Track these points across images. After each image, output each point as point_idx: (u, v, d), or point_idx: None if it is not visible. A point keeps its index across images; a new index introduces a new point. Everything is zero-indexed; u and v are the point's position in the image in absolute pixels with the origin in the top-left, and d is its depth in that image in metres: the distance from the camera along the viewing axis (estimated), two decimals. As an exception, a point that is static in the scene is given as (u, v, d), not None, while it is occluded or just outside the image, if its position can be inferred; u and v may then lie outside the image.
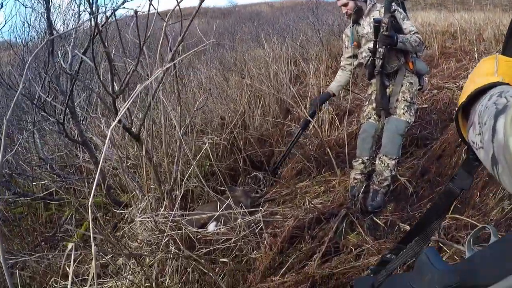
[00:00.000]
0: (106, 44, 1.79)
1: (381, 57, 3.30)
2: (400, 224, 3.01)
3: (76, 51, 2.30)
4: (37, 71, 4.59)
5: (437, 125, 4.70)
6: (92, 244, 0.95)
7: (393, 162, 3.36)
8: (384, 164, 3.37)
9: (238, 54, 7.11)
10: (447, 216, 2.69)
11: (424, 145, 4.32)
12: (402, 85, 3.40)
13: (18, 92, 1.32)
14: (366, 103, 3.62)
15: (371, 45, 3.28)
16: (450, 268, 1.17)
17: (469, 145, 1.03)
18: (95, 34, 1.84)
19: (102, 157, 0.95)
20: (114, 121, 3.30)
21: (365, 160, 3.48)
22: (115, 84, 2.08)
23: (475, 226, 2.52)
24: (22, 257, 3.08)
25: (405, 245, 1.49)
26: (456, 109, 0.97)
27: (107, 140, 1.09)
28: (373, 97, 3.52)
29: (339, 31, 8.84)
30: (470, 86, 0.94)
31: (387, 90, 3.45)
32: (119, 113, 1.20)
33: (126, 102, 0.99)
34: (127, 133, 3.45)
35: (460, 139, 1.03)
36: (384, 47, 3.22)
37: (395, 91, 3.41)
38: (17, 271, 2.94)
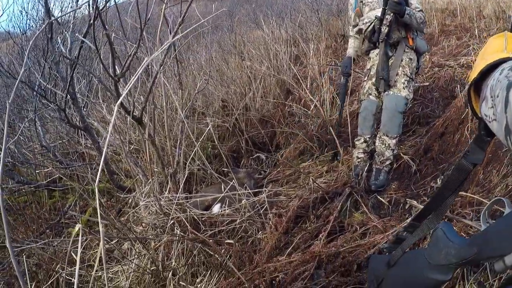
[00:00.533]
0: (106, 26, 1.77)
1: (388, 24, 3.25)
2: (407, 199, 3.00)
3: (77, 35, 2.28)
4: (36, 59, 4.57)
5: (438, 103, 4.67)
6: (100, 226, 0.94)
7: (394, 141, 3.35)
8: (385, 144, 3.35)
9: (237, 36, 7.06)
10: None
11: (426, 123, 4.30)
12: (402, 60, 3.36)
13: (18, 79, 1.31)
14: (365, 79, 3.55)
15: (376, 12, 3.24)
16: (466, 241, 1.17)
17: (481, 120, 1.04)
18: (95, 16, 1.82)
19: (106, 142, 0.94)
20: (115, 105, 3.29)
21: (367, 139, 3.46)
22: (116, 67, 2.06)
23: (480, 202, 2.52)
24: (27, 245, 3.10)
25: (419, 222, 1.49)
26: (468, 85, 0.99)
27: (111, 124, 1.09)
28: (372, 72, 3.46)
29: (337, 10, 8.76)
30: (481, 63, 0.96)
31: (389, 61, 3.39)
32: (122, 94, 1.19)
33: (129, 83, 0.97)
34: (128, 118, 3.45)
35: (467, 116, 1.04)
36: (392, 14, 3.17)
37: (395, 65, 3.36)
38: (24, 258, 2.96)
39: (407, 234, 1.55)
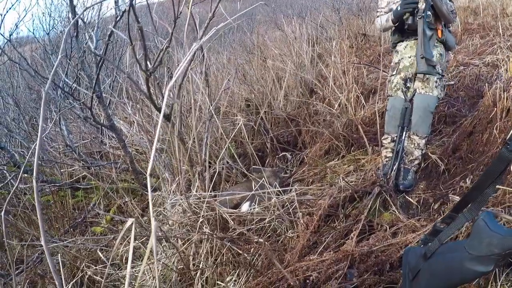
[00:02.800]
0: (138, 19, 1.76)
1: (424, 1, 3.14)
2: (449, 196, 2.92)
3: (110, 27, 2.27)
4: (59, 61, 4.60)
5: (465, 102, 4.59)
6: (152, 216, 0.92)
7: (424, 141, 3.28)
8: (414, 143, 3.29)
9: (259, 36, 7.04)
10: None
11: (452, 123, 4.22)
12: (433, 56, 3.25)
13: (52, 74, 1.29)
14: (393, 73, 3.42)
15: None
16: (510, 231, 1.13)
17: None
18: (128, 9, 1.81)
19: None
20: (144, 101, 3.27)
21: (395, 138, 3.39)
22: (148, 63, 2.05)
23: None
24: (53, 241, 3.11)
25: (457, 213, 1.45)
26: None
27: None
28: (401, 66, 3.36)
29: (357, 9, 8.70)
30: None
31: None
32: (167, 85, 1.17)
33: (177, 70, 0.95)
34: (153, 117, 3.45)
35: (496, 115, 1.04)
36: None
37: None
38: (58, 255, 2.96)
39: (444, 225, 1.51)
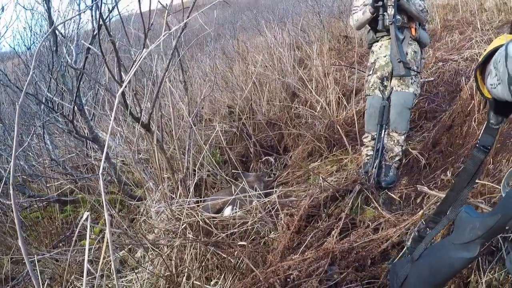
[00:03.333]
0: (110, 33, 1.79)
1: (393, 4, 3.16)
2: (417, 187, 2.98)
3: (82, 41, 2.31)
4: (42, 75, 4.62)
5: (444, 97, 4.66)
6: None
7: (403, 137, 3.33)
8: (394, 140, 3.34)
9: (240, 43, 7.09)
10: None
11: (433, 118, 4.28)
12: (407, 53, 3.30)
13: (24, 90, 1.33)
14: (370, 73, 3.48)
15: None
16: (488, 212, 1.20)
17: (488, 101, 1.11)
18: (99, 25, 1.85)
19: (105, 145, 0.96)
20: (122, 112, 3.30)
21: (375, 136, 3.44)
22: (122, 74, 2.09)
23: (492, 191, 2.51)
24: (42, 255, 3.12)
25: (440, 216, 1.51)
26: (474, 70, 1.10)
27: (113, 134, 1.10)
28: (377, 65, 3.41)
29: (338, 12, 8.78)
30: (484, 53, 1.08)
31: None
32: (125, 97, 1.20)
33: (127, 77, 0.99)
34: (136, 129, 3.48)
35: (473, 108, 1.14)
36: None
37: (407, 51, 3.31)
38: (37, 271, 2.98)
39: (428, 230, 1.57)
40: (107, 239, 1.04)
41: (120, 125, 3.75)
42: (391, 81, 3.34)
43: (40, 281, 1.20)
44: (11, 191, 1.14)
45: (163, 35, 1.26)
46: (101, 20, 1.88)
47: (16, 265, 3.55)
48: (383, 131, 3.31)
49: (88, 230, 1.12)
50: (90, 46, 2.26)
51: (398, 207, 3.06)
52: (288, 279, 2.06)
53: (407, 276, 1.52)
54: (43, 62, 4.98)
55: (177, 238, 2.38)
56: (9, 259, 3.36)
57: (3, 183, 3.89)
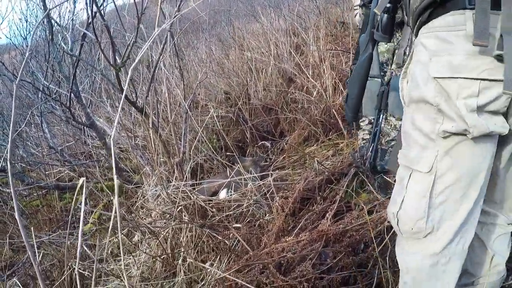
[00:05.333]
0: (104, 17, 1.81)
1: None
2: None
3: (77, 26, 2.32)
4: (38, 64, 4.63)
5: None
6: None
7: (400, 122, 3.33)
8: (391, 124, 3.35)
9: (236, 29, 7.07)
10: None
11: (431, 103, 4.28)
12: (408, 39, 3.28)
13: (18, 78, 1.34)
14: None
15: None
16: None
17: None
18: (94, 12, 1.86)
19: (113, 133, 0.98)
20: (119, 96, 3.31)
21: (372, 120, 3.45)
22: (116, 58, 2.10)
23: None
24: (41, 239, 3.16)
25: None
26: None
27: (118, 114, 1.12)
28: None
29: (335, -2, 8.73)
30: None
31: None
32: (124, 82, 1.22)
33: (131, 67, 1.01)
34: (133, 114, 3.50)
35: None
36: None
37: (402, 44, 3.31)
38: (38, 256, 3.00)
39: None
40: (116, 219, 1.06)
41: (117, 111, 3.76)
42: (391, 66, 3.33)
43: (38, 265, 1.22)
44: (9, 175, 1.16)
45: (161, 28, 1.28)
46: (95, 7, 1.89)
47: (16, 253, 3.59)
48: (382, 115, 3.30)
49: (82, 212, 1.14)
50: (85, 31, 2.27)
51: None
52: (282, 262, 2.09)
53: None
54: (39, 52, 5.00)
55: (173, 221, 2.41)
56: (9, 246, 3.40)
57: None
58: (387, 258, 2.15)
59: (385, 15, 1.41)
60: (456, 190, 1.21)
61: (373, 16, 1.51)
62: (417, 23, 1.26)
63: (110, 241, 2.94)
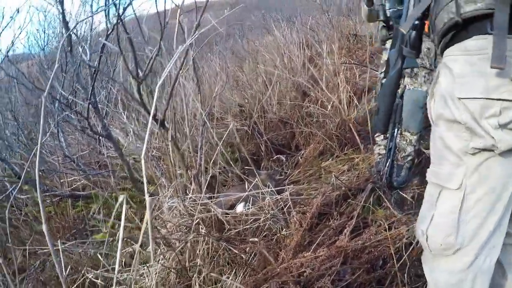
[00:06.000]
0: (127, 31, 1.82)
1: None
2: None
3: (100, 39, 2.34)
4: (55, 75, 4.69)
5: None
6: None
7: (415, 137, 3.31)
8: (406, 139, 3.33)
9: (250, 42, 7.11)
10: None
11: (445, 118, 4.25)
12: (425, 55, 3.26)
13: (46, 90, 1.36)
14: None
15: None
16: None
17: None
18: (118, 21, 1.88)
19: (143, 150, 0.98)
20: (137, 109, 3.33)
21: (387, 135, 3.43)
22: (138, 70, 2.12)
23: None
24: (61, 245, 3.15)
25: None
26: None
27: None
28: None
29: (347, 10, 8.78)
30: None
31: None
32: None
33: (162, 75, 1.01)
34: (148, 126, 3.51)
35: None
36: None
37: None
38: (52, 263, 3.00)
39: None
40: (147, 222, 1.06)
41: (133, 122, 3.79)
42: (404, 79, 3.31)
43: (63, 269, 1.23)
44: (37, 184, 1.16)
45: (194, 34, 1.28)
46: (118, 18, 1.91)
47: (28, 258, 3.59)
48: (396, 130, 3.28)
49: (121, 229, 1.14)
50: (106, 42, 2.29)
51: (410, 207, 3.05)
52: (301, 277, 2.08)
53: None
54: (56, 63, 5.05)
55: (191, 233, 2.41)
56: (22, 252, 3.41)
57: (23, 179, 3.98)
58: (405, 274, 2.14)
59: (413, 31, 1.44)
60: (484, 205, 1.24)
61: (401, 33, 1.54)
62: (441, 44, 1.32)
63: (122, 251, 2.95)
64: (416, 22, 1.45)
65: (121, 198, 1.04)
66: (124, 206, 1.05)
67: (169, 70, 3.00)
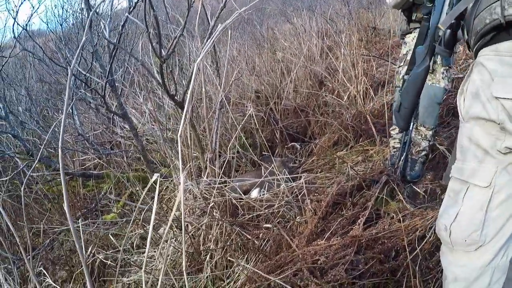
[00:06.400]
0: (154, 7, 1.81)
1: None
2: None
3: (126, 14, 2.33)
4: (71, 52, 4.68)
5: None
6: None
7: (431, 132, 3.29)
8: (422, 134, 3.30)
9: (269, 29, 7.07)
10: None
11: (461, 115, 4.22)
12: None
13: (73, 64, 1.34)
14: (401, 64, 3.37)
15: None
16: None
17: None
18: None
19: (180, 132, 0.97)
20: (158, 88, 3.32)
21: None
22: (162, 49, 2.10)
23: None
24: (63, 227, 3.19)
25: None
26: None
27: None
28: (408, 57, 3.35)
29: (367, 3, 8.70)
30: None
31: None
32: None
33: (208, 42, 0.99)
34: (165, 108, 3.51)
35: None
36: None
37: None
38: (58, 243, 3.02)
39: None
40: (180, 199, 1.06)
41: (149, 103, 3.79)
42: None
43: (83, 247, 1.22)
44: (60, 157, 1.16)
45: (219, 30, 1.26)
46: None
47: (36, 236, 3.62)
48: (412, 124, 3.25)
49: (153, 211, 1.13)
50: (129, 16, 2.27)
51: (422, 201, 3.04)
52: (315, 264, 2.07)
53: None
54: (73, 40, 5.06)
55: (205, 216, 2.41)
56: (36, 232, 3.44)
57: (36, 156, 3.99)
58: (417, 267, 2.14)
59: (448, 30, 1.43)
60: (509, 205, 1.25)
61: (434, 29, 1.53)
62: (478, 44, 1.30)
63: (132, 232, 2.96)
64: (453, 20, 1.45)
65: (155, 176, 1.03)
66: (158, 184, 1.04)
67: (188, 51, 2.99)
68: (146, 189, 1.19)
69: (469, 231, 1.30)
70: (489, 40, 1.25)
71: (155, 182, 1.06)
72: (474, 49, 1.34)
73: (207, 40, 2.12)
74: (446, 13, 1.52)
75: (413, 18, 3.21)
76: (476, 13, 1.27)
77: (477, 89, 1.25)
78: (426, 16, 2.40)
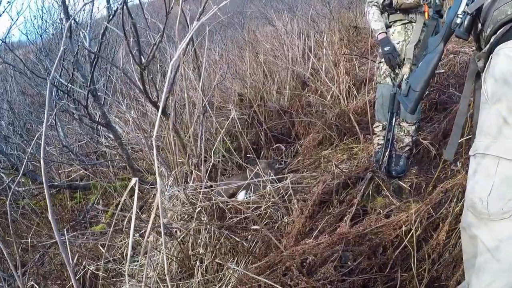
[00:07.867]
0: (132, 15, 1.81)
1: None
2: None
3: (105, 23, 2.32)
4: (52, 62, 4.65)
5: (455, 89, 4.64)
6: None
7: (413, 127, 3.32)
8: (404, 130, 3.34)
9: (250, 32, 7.09)
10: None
11: (443, 109, 4.27)
12: (419, 41, 3.21)
13: (52, 74, 1.34)
14: (382, 60, 3.38)
15: None
16: None
17: None
18: (122, 4, 1.86)
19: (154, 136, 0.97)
20: (139, 101, 3.32)
21: (385, 125, 3.42)
22: (141, 57, 2.10)
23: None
24: (53, 240, 3.15)
25: None
26: None
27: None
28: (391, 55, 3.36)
29: (348, 2, 8.76)
30: None
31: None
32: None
33: (179, 47, 1.00)
34: (148, 115, 3.50)
35: None
36: None
37: (413, 39, 3.23)
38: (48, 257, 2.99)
39: None
40: (157, 204, 1.06)
41: (132, 111, 3.77)
42: (402, 69, 3.28)
43: (71, 260, 1.22)
44: (42, 168, 1.15)
45: (195, 26, 1.27)
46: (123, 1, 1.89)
47: (25, 252, 3.58)
48: (394, 119, 3.26)
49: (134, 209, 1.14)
50: (108, 25, 2.27)
51: (408, 195, 3.07)
52: (304, 263, 2.08)
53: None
54: (54, 51, 5.02)
55: (193, 222, 2.41)
56: (25, 248, 3.40)
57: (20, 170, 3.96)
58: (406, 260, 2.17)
59: (469, 16, 1.56)
60: None
61: (451, 20, 1.64)
62: (498, 33, 1.41)
63: (122, 241, 2.94)
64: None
65: (133, 180, 1.03)
66: (137, 188, 1.04)
67: (169, 58, 2.99)
68: (126, 193, 1.18)
69: (506, 199, 1.38)
70: (508, 31, 1.35)
71: (135, 185, 1.06)
72: (492, 39, 1.43)
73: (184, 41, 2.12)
74: (467, 4, 1.61)
75: (394, 4, 3.21)
76: (497, 6, 1.40)
77: (504, 72, 1.34)
78: (435, 14, 2.60)
